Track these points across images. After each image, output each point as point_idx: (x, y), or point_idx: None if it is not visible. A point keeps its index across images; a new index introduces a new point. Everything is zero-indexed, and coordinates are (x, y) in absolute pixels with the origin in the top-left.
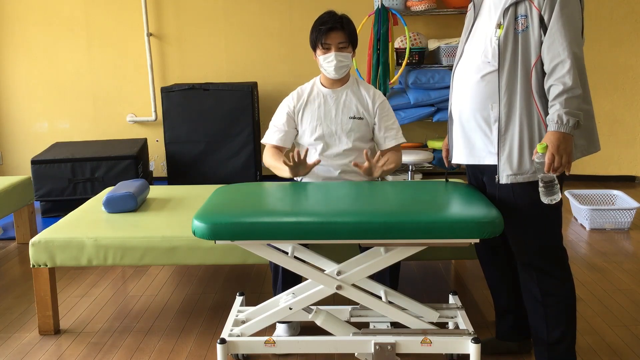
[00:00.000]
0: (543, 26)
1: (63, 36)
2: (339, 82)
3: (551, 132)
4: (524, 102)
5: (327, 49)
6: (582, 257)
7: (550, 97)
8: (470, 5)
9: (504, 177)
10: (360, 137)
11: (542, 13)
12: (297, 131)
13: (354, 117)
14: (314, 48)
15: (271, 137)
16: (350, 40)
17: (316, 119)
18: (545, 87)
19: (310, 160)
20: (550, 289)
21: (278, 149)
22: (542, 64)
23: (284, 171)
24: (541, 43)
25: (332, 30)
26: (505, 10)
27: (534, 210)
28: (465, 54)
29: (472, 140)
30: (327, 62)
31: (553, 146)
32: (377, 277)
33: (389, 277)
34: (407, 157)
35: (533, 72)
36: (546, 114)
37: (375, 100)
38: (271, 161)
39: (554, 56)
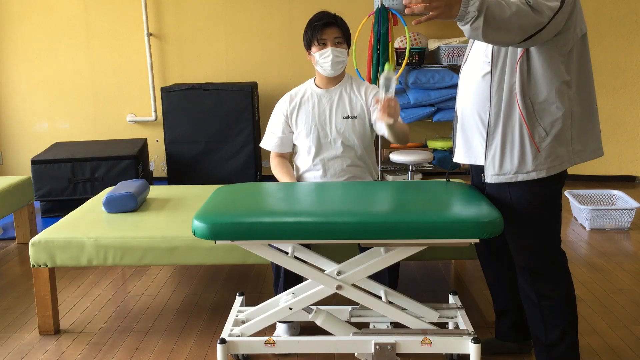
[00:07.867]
0: None
1: (63, 36)
2: (334, 81)
3: None
4: (508, 103)
5: (323, 45)
6: (582, 257)
7: None
8: None
9: (489, 176)
10: (356, 136)
11: None
12: (294, 133)
13: (348, 117)
14: (309, 46)
15: (269, 144)
16: (345, 37)
17: (310, 120)
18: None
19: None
20: (545, 291)
21: (281, 155)
22: (526, 61)
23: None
24: None
25: (327, 25)
26: None
27: (531, 213)
28: (471, 53)
29: (469, 139)
30: (324, 57)
31: None
32: (375, 277)
33: (388, 277)
34: (407, 157)
35: (517, 70)
36: (528, 116)
37: (368, 94)
38: (275, 171)
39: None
